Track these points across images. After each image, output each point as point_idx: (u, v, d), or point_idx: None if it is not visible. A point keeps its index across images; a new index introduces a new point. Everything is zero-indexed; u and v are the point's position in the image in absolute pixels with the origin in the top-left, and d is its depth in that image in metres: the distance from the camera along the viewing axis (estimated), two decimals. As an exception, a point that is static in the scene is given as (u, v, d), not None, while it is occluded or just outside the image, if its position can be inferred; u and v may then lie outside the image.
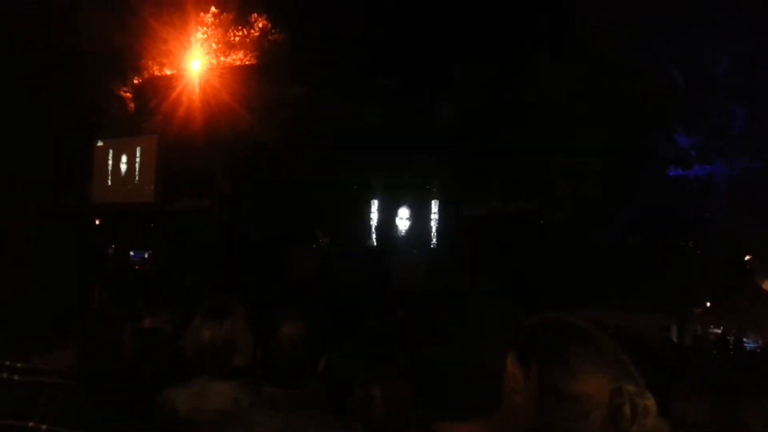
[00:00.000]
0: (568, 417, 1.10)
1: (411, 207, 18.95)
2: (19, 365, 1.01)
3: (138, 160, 19.95)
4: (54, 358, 1.04)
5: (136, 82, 21.47)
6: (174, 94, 19.97)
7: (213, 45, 20.80)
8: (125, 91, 21.37)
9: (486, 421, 0.98)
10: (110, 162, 20.34)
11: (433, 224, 18.80)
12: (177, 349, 2.03)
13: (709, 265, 15.14)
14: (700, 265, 15.42)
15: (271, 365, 1.71)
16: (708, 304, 14.49)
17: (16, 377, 1.01)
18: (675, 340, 11.91)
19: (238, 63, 20.79)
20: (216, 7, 20.46)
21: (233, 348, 1.86)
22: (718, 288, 14.36)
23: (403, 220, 18.99)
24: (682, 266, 15.22)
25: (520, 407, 1.03)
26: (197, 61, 20.62)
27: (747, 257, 16.44)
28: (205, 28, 20.67)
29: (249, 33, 20.72)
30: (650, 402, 1.09)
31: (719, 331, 12.64)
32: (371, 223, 19.34)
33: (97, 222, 16.89)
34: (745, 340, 11.77)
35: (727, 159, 16.09)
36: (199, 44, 20.68)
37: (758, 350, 11.39)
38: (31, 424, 0.98)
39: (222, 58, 20.88)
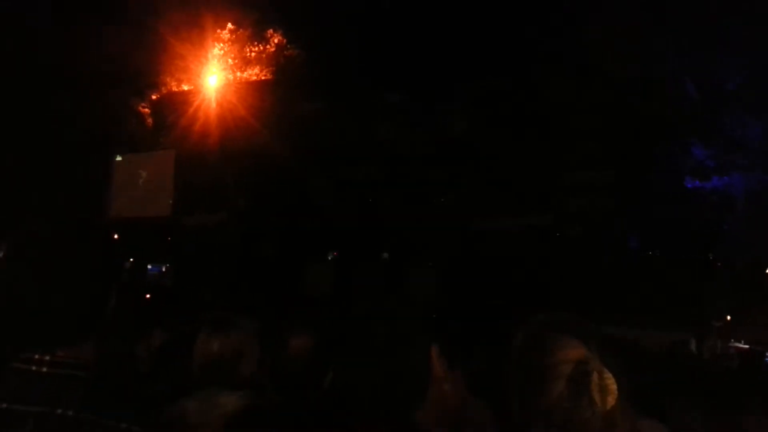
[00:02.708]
0: (539, 386, 1.23)
1: (422, 221, 18.91)
2: (47, 358, 1.16)
3: (155, 174, 20.17)
4: (76, 352, 1.19)
5: (154, 98, 21.77)
6: (191, 110, 20.23)
7: (229, 61, 21.08)
8: (143, 107, 21.68)
9: (420, 409, 1.14)
10: (128, 176, 20.58)
11: (445, 238, 18.73)
12: (186, 361, 2.06)
13: (728, 278, 14.94)
14: (719, 278, 15.21)
15: (279, 377, 1.72)
16: (728, 317, 14.27)
17: (45, 369, 1.16)
18: (694, 353, 11.71)
19: (254, 78, 21.03)
20: (233, 24, 20.76)
21: (241, 357, 1.87)
22: (738, 301, 14.16)
23: (413, 234, 18.95)
24: (701, 279, 15.03)
25: (449, 394, 1.22)
26: (214, 77, 20.90)
27: (767, 269, 16.18)
28: (221, 45, 20.97)
29: (265, 49, 20.97)
30: (611, 383, 1.18)
31: (739, 344, 12.42)
32: (383, 236, 19.34)
33: (116, 236, 17.10)
34: (766, 354, 11.54)
35: (745, 171, 15.90)
36: (215, 60, 20.96)
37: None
38: (58, 411, 1.13)
39: (238, 74, 21.13)
